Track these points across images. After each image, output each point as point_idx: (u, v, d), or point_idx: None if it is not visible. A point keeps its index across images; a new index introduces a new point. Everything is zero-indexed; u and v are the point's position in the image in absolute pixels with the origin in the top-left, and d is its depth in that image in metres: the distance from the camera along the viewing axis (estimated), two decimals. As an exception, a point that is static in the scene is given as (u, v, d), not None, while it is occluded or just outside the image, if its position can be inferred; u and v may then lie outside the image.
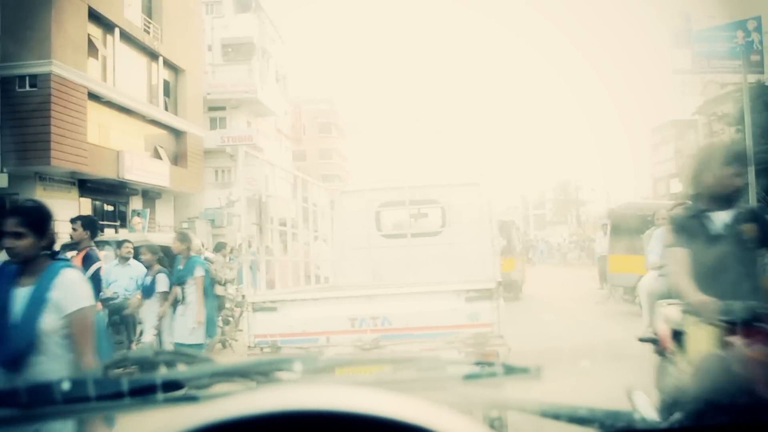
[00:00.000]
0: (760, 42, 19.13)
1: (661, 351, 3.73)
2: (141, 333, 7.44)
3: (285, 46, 37.53)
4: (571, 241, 41.51)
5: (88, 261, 5.69)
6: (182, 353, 1.17)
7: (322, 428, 0.73)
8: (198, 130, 27.34)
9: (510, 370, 0.97)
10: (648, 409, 0.92)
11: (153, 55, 24.30)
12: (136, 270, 7.48)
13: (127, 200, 23.39)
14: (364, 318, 4.12)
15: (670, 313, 3.52)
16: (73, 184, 20.19)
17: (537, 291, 17.31)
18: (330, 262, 7.13)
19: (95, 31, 20.68)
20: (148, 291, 7.07)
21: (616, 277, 12.75)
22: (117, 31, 21.53)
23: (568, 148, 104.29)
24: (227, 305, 9.51)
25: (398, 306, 4.17)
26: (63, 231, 7.07)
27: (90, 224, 6.00)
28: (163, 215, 25.59)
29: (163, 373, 1.02)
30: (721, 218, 3.02)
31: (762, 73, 19.79)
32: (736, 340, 2.55)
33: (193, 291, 6.54)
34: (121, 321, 7.62)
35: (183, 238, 6.88)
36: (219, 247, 11.63)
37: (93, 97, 20.04)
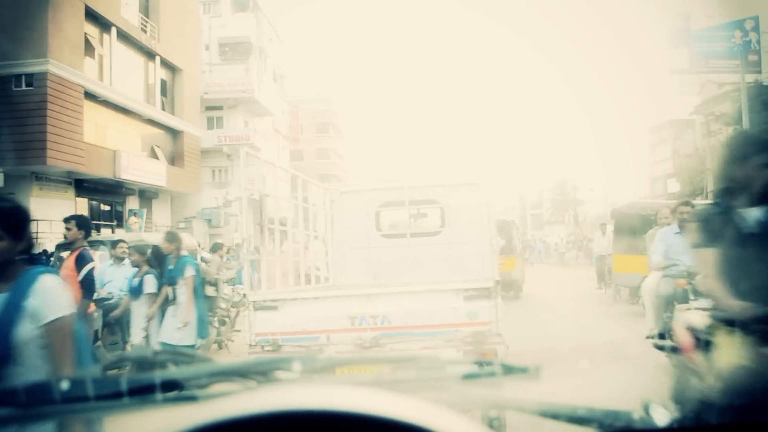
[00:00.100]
0: (758, 41, 19.20)
1: (682, 361, 3.39)
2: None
3: (282, 45, 37.50)
4: (569, 240, 41.54)
5: (81, 261, 5.66)
6: (181, 353, 1.16)
7: (321, 428, 0.72)
8: (195, 129, 27.31)
9: (509, 369, 0.97)
10: (668, 423, 0.89)
11: (150, 55, 24.26)
12: (131, 270, 7.42)
13: (123, 200, 23.36)
14: (364, 317, 4.16)
15: (693, 319, 3.27)
16: (70, 183, 20.15)
17: (535, 291, 17.32)
18: (330, 261, 7.15)
19: (92, 30, 20.64)
20: (135, 292, 6.97)
21: (619, 277, 12.75)
22: (114, 30, 21.50)
23: (566, 147, 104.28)
24: (222, 305, 9.47)
25: (398, 305, 4.21)
26: (59, 231, 7.05)
27: (84, 224, 5.94)
28: (160, 215, 25.57)
29: (161, 372, 1.02)
30: (754, 215, 2.74)
31: (760, 72, 19.84)
32: None
33: (184, 291, 6.46)
34: (116, 322, 7.60)
35: (171, 238, 6.79)
36: (216, 248, 11.61)
37: (90, 96, 20.01)
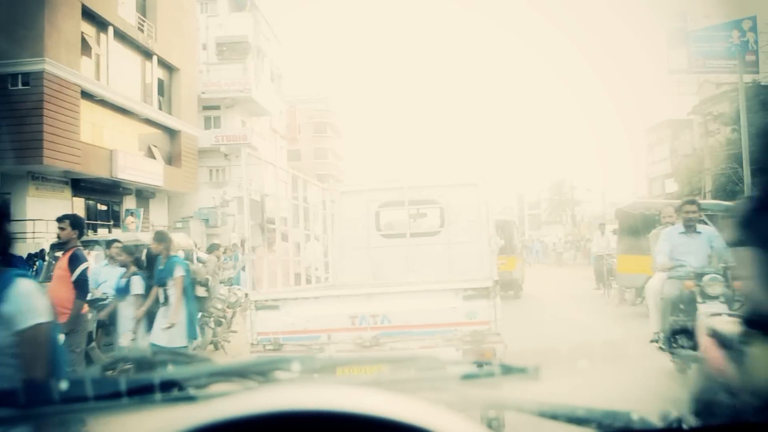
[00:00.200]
0: (756, 41, 19.26)
1: (707, 373, 3.24)
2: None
3: (280, 45, 37.49)
4: (566, 241, 41.59)
5: (75, 261, 5.59)
6: (180, 353, 1.16)
7: (320, 428, 0.72)
8: (192, 129, 27.28)
9: (508, 370, 0.97)
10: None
11: (147, 54, 24.23)
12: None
13: (120, 200, 23.33)
14: (365, 316, 4.20)
15: (721, 326, 3.06)
16: (66, 183, 20.12)
17: (534, 290, 17.34)
18: (330, 261, 7.17)
19: (89, 30, 20.61)
20: (122, 292, 6.87)
21: (623, 278, 12.72)
22: (111, 29, 21.47)
23: (564, 147, 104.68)
24: (218, 306, 9.41)
25: (397, 304, 4.25)
26: (55, 231, 7.00)
27: (78, 223, 5.85)
28: (157, 215, 25.54)
29: (160, 372, 1.02)
30: None
31: (757, 72, 19.91)
32: None
33: (174, 292, 6.34)
34: (110, 322, 7.55)
35: (160, 238, 6.67)
36: (212, 249, 11.59)
37: (86, 95, 19.98)
